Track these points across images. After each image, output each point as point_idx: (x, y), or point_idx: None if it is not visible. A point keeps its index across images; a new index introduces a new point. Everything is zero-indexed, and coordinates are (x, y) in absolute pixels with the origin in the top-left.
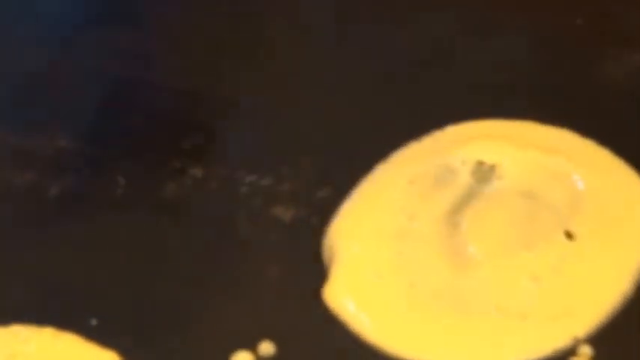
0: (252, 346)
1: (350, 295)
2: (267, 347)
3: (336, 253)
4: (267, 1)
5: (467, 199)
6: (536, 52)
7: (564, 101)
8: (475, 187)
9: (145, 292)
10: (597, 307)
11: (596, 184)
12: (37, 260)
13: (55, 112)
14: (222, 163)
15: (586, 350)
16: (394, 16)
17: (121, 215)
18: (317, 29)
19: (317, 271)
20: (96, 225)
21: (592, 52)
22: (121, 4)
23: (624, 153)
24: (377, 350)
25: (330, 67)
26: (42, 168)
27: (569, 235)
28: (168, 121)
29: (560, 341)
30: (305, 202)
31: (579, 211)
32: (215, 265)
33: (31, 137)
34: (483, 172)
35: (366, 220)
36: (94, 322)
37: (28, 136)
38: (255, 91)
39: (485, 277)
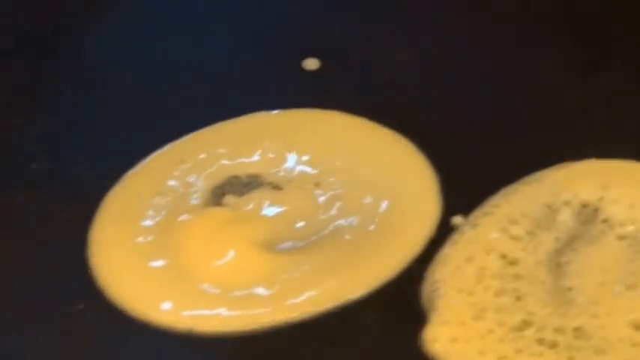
0: None
1: (450, 339)
2: None
3: (435, 298)
4: None
5: (570, 241)
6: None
7: None
8: (579, 229)
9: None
10: None
11: None
12: None
13: None
14: None
15: None
16: (494, 56)
17: None
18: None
19: (416, 316)
20: None
21: None
22: None
23: None
24: None
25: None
26: None
27: None
28: None
29: None
30: None
31: None
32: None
33: None
34: (587, 215)
35: (465, 265)
36: None
37: None
38: None
39: (587, 321)
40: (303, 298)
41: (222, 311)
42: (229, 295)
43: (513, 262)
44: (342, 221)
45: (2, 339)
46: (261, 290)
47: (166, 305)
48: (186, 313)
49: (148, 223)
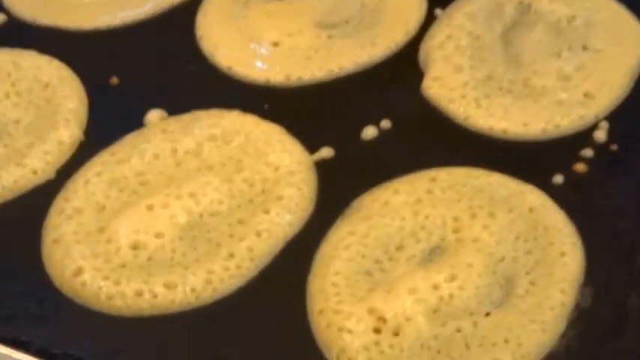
0: (376, 122)
1: (440, 86)
2: (386, 123)
3: (428, 62)
4: None
5: (513, 24)
6: None
7: None
8: (518, 17)
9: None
10: (611, 93)
11: (604, 14)
12: None
13: None
14: None
15: (604, 124)
16: None
17: None
18: None
19: (416, 72)
20: None
21: None
22: None
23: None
24: (462, 124)
25: None
26: None
27: (585, 48)
28: None
29: (586, 118)
30: None
31: (592, 32)
32: None
33: None
34: (523, 8)
35: (447, 41)
36: (266, 107)
37: None
38: None
39: (530, 75)
40: (340, 59)
41: (288, 64)
42: (291, 54)
43: (477, 38)
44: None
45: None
46: (311, 53)
47: (248, 62)
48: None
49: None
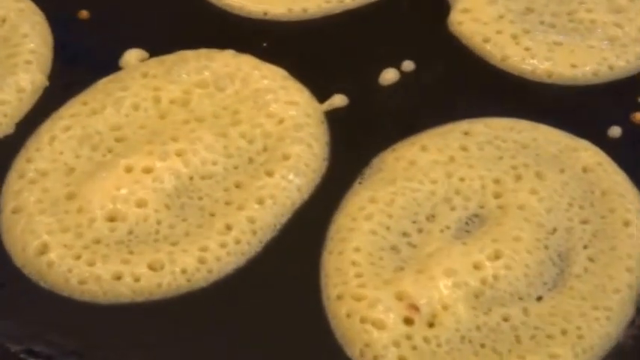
0: (396, 64)
1: (471, 20)
2: (408, 65)
3: None
4: None
5: None
6: None
7: None
8: None
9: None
10: None
11: None
12: None
13: None
14: None
15: None
16: None
17: None
18: None
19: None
20: None
21: None
22: None
23: None
24: (498, 65)
25: None
26: None
27: None
28: None
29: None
30: None
31: None
32: None
33: None
34: None
35: None
36: (265, 45)
37: None
38: None
39: (576, 7)
40: None
41: None
42: None
43: None
44: None
45: None
46: None
47: None
48: None
49: None
